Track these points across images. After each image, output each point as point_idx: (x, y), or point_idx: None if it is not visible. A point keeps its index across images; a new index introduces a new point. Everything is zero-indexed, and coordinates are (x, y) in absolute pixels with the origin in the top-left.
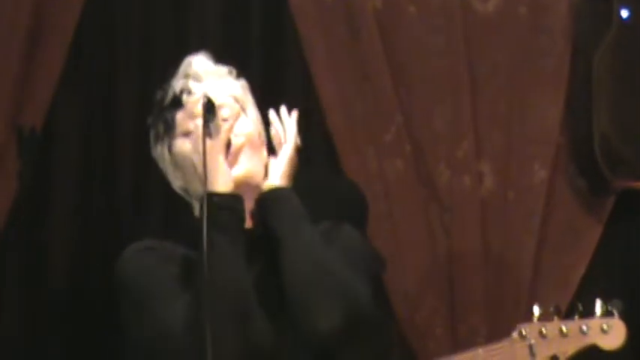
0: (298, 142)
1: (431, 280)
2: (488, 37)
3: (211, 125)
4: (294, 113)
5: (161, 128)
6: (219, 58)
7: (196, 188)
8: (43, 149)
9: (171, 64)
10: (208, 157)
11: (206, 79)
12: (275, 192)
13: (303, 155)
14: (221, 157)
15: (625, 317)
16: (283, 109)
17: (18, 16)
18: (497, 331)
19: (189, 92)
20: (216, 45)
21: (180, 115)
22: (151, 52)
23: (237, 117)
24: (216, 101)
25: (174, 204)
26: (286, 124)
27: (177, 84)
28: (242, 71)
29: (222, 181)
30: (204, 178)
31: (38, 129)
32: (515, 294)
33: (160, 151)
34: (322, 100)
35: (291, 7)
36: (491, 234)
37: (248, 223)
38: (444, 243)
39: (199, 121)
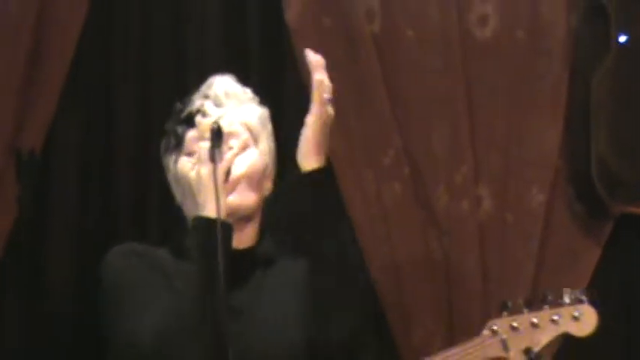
0: (329, 110)
1: (429, 303)
2: (486, 60)
3: (216, 151)
4: (319, 58)
5: (172, 141)
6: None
7: (188, 208)
8: (42, 172)
9: (169, 82)
10: (205, 182)
11: (225, 103)
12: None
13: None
14: (216, 184)
15: (610, 335)
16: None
17: (18, 38)
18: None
19: (204, 114)
20: (214, 71)
21: (190, 134)
22: (149, 74)
23: (243, 147)
24: (226, 129)
25: (173, 221)
26: (314, 80)
27: (196, 102)
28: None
29: (212, 207)
30: (218, 201)
31: (37, 152)
32: None
33: (167, 162)
34: None
35: (289, 29)
36: (489, 257)
37: (242, 244)
38: (442, 266)
39: (204, 144)
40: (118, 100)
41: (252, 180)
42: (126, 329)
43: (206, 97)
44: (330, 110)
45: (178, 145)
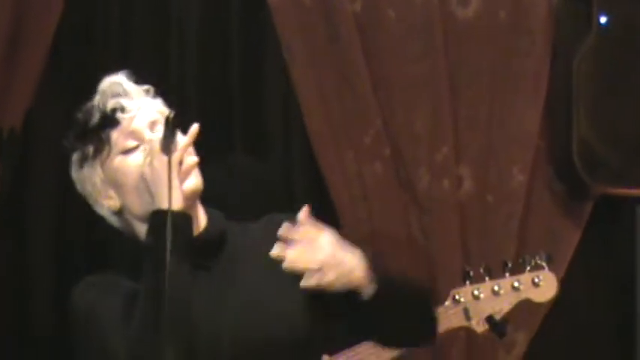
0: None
1: None
2: (467, 41)
3: (171, 142)
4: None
5: (90, 149)
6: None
7: (140, 205)
8: (22, 151)
9: (150, 66)
10: (162, 174)
11: (135, 97)
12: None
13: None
14: (174, 174)
15: (591, 316)
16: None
17: None
18: (476, 335)
19: (124, 110)
20: (195, 49)
21: (115, 134)
22: (130, 53)
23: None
24: (152, 118)
25: None
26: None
27: (105, 104)
28: (222, 74)
29: (176, 199)
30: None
31: (18, 131)
32: None
33: (87, 173)
34: (302, 103)
35: (271, 9)
36: (470, 238)
37: (198, 229)
38: (423, 246)
39: (154, 137)
40: (100, 80)
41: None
42: (101, 351)
43: (117, 95)
44: (325, 277)
45: (101, 149)
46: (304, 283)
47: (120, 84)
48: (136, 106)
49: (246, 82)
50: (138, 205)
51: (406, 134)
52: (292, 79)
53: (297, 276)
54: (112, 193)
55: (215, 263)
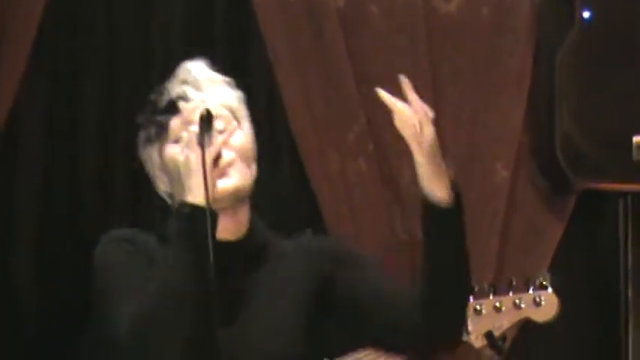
0: (426, 135)
1: None
2: (451, 37)
3: (205, 136)
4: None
5: (153, 131)
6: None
7: (177, 195)
8: (5, 147)
9: (134, 62)
10: (193, 167)
11: (204, 87)
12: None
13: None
14: (204, 170)
15: (574, 311)
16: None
17: None
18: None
19: (186, 99)
20: (179, 43)
21: (174, 121)
22: (114, 49)
23: (232, 131)
24: (213, 112)
25: (140, 200)
26: (414, 106)
27: (173, 89)
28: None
29: (199, 193)
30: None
31: (1, 129)
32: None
33: (148, 153)
34: (285, 100)
35: (254, 5)
36: None
37: (236, 234)
38: (406, 244)
39: (193, 128)
40: (84, 76)
41: (245, 161)
42: (105, 318)
43: (185, 82)
44: (428, 134)
45: (161, 133)
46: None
47: (190, 71)
48: (200, 98)
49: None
50: (177, 194)
51: (390, 131)
52: (276, 76)
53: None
54: (164, 178)
55: (247, 272)
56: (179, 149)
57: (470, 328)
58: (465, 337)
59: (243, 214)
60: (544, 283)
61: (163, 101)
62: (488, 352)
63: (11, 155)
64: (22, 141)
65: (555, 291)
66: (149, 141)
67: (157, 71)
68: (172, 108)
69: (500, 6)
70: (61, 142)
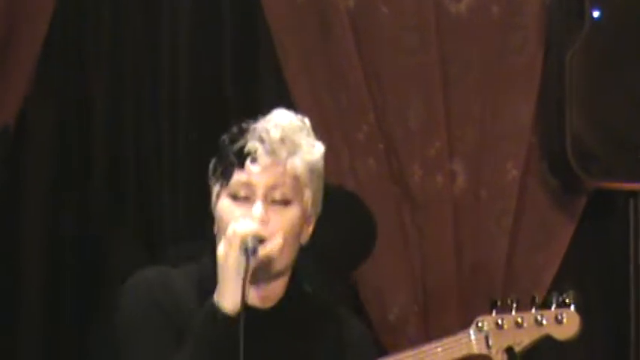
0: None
1: (403, 280)
2: (460, 36)
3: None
4: None
5: (219, 168)
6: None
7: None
8: (16, 148)
9: (141, 64)
10: (231, 273)
11: (279, 151)
12: None
13: None
14: (242, 280)
15: (585, 310)
16: None
17: None
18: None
19: (255, 160)
20: (187, 47)
21: (237, 176)
22: (121, 51)
23: (279, 248)
24: (272, 181)
25: (149, 199)
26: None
27: (250, 140)
28: (214, 71)
29: (231, 301)
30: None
31: (11, 127)
32: (488, 293)
33: (212, 185)
34: (295, 99)
35: (263, 5)
36: (463, 233)
37: (265, 303)
38: (416, 242)
39: (239, 230)
40: (92, 75)
41: (294, 237)
42: None
43: (260, 140)
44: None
45: (224, 177)
46: None
47: (269, 131)
48: (269, 162)
49: (239, 80)
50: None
51: (399, 129)
52: (286, 75)
53: None
54: (215, 218)
55: (271, 339)
56: (230, 208)
57: (491, 342)
58: (485, 352)
59: (279, 286)
60: (567, 300)
61: (238, 145)
62: None
63: (20, 156)
64: (32, 142)
65: (578, 309)
66: (214, 174)
67: (165, 70)
68: (241, 160)
69: (510, 5)
70: (70, 143)
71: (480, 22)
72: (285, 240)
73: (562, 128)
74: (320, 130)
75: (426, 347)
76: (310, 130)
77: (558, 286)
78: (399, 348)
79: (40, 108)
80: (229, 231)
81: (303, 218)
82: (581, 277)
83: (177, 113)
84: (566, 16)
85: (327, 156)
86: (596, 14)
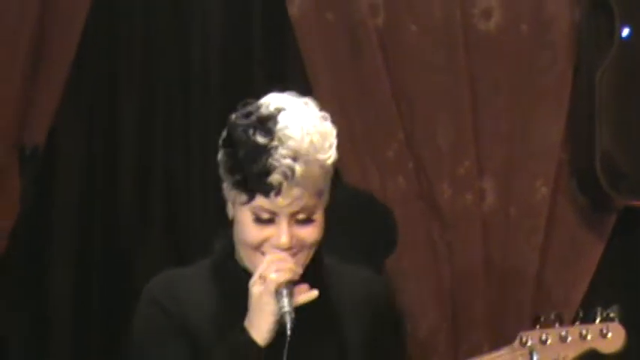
0: None
1: (433, 297)
2: (489, 54)
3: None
4: None
5: (236, 176)
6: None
7: (239, 250)
8: (45, 169)
9: (172, 82)
10: (265, 313)
11: (302, 183)
12: None
13: None
14: (274, 317)
15: (626, 327)
16: None
17: (20, 38)
18: (500, 347)
19: (280, 192)
20: (217, 63)
21: (259, 199)
22: (152, 70)
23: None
24: (295, 208)
25: (176, 219)
26: None
27: (273, 171)
28: (244, 83)
29: (262, 335)
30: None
31: (40, 149)
32: (518, 311)
33: (225, 177)
34: None
35: (292, 23)
36: (493, 251)
37: None
38: (446, 260)
39: (274, 277)
40: (122, 98)
41: (313, 245)
42: None
43: (284, 175)
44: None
45: (243, 191)
46: None
47: (293, 168)
48: (295, 196)
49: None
50: (239, 250)
51: (429, 148)
52: (315, 93)
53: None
54: (231, 208)
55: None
56: (258, 230)
57: (536, 357)
58: None
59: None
60: (611, 315)
61: (260, 165)
62: None
63: (50, 173)
64: (62, 163)
65: (622, 323)
66: (230, 177)
67: (195, 88)
68: (264, 189)
69: (539, 23)
70: (100, 158)
71: (509, 40)
72: (307, 249)
73: (591, 146)
74: (349, 148)
75: None
76: (326, 115)
77: (588, 303)
78: None
79: (70, 127)
80: (266, 272)
81: (321, 233)
82: (610, 294)
83: (208, 126)
84: (595, 34)
85: (357, 174)
86: (625, 32)
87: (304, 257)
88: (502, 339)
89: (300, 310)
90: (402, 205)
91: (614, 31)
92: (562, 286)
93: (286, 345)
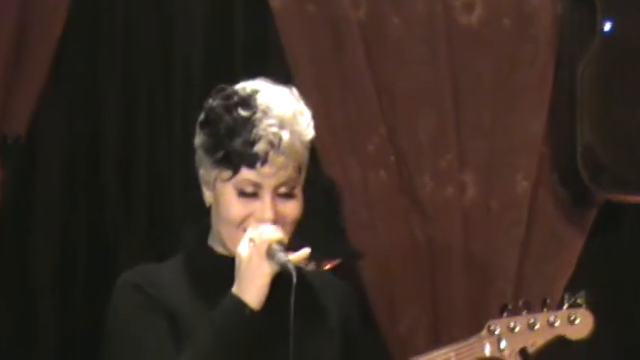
0: None
1: (414, 291)
2: (471, 47)
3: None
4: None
5: (219, 153)
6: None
7: (221, 234)
8: (27, 158)
9: (154, 71)
10: (254, 274)
11: (287, 151)
12: None
13: None
14: (266, 278)
15: (606, 320)
16: None
17: (1, 27)
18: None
19: (265, 161)
20: (199, 57)
21: (244, 171)
22: (135, 60)
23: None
24: (280, 179)
25: (160, 210)
26: None
27: (258, 141)
28: (227, 74)
29: (256, 296)
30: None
31: (23, 137)
32: (498, 304)
33: (204, 161)
34: None
35: (275, 17)
36: (473, 244)
37: None
38: (426, 253)
39: (266, 234)
40: (104, 87)
41: (296, 219)
42: None
43: (271, 144)
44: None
45: (227, 167)
46: None
47: (278, 135)
48: (279, 164)
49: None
50: (219, 231)
51: (410, 141)
52: (296, 86)
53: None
54: (211, 193)
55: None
56: (241, 205)
57: (504, 345)
58: (497, 355)
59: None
60: (578, 301)
61: (243, 139)
62: None
63: (32, 162)
64: (43, 148)
65: (590, 309)
66: (211, 156)
67: (178, 77)
68: (249, 160)
69: (521, 17)
70: (82, 148)
71: (491, 34)
72: (290, 223)
73: (573, 140)
74: (330, 142)
75: (438, 353)
76: (299, 98)
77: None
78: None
79: (52, 117)
80: (254, 235)
81: (301, 207)
82: (591, 288)
83: (190, 115)
84: (577, 28)
85: (338, 167)
86: (607, 27)
87: (286, 235)
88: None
89: (288, 295)
90: (382, 198)
91: (596, 25)
92: (542, 280)
93: (292, 297)
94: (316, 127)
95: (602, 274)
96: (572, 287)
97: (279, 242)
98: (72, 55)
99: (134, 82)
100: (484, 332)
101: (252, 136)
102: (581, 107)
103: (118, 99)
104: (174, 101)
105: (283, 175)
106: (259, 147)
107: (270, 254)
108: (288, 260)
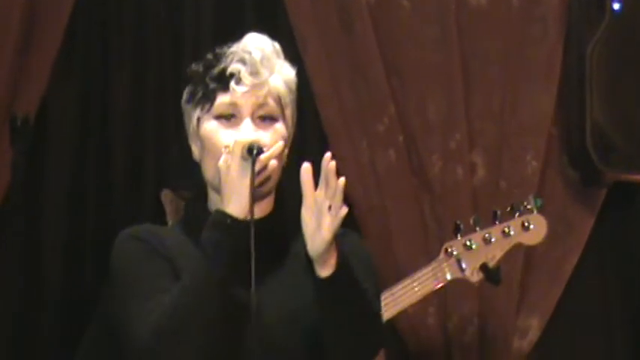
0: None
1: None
2: (481, 28)
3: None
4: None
5: (199, 93)
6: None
7: (210, 175)
8: (36, 138)
9: (164, 54)
10: (234, 182)
11: (260, 71)
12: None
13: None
14: (246, 182)
15: (605, 303)
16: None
17: (12, 7)
18: (489, 321)
19: (239, 81)
20: (208, 38)
21: (221, 98)
22: (145, 39)
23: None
24: (260, 100)
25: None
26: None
27: (231, 62)
28: None
29: (238, 205)
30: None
31: (32, 118)
32: (507, 284)
33: (189, 112)
34: (315, 92)
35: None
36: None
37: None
38: (436, 233)
39: (240, 139)
40: (114, 68)
41: (281, 154)
42: (125, 322)
43: (242, 61)
44: (325, 231)
45: (205, 101)
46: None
47: (250, 52)
48: (253, 82)
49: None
50: (208, 174)
51: (419, 122)
52: (306, 68)
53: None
54: (195, 144)
55: (266, 252)
56: (224, 134)
57: (464, 265)
58: (460, 275)
59: (265, 203)
60: (529, 207)
61: (217, 70)
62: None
63: (42, 146)
64: (53, 132)
65: (541, 212)
66: (192, 101)
67: (187, 59)
68: (223, 81)
69: None
70: (92, 131)
71: (499, 14)
72: (278, 160)
73: (582, 120)
74: (340, 122)
75: (401, 286)
76: (281, 52)
77: (578, 277)
78: (418, 339)
79: (61, 99)
80: (228, 142)
81: (286, 139)
82: (600, 269)
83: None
84: (586, 7)
85: (347, 147)
86: (616, 6)
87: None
88: (491, 312)
89: (259, 253)
90: (392, 178)
91: (605, 5)
92: (552, 260)
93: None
94: (325, 108)
95: (612, 254)
96: (581, 268)
97: (254, 143)
98: (82, 35)
99: (144, 61)
100: (442, 256)
101: (228, 61)
102: (591, 87)
103: (128, 77)
104: (182, 80)
105: (259, 94)
106: (232, 67)
107: (245, 157)
108: (259, 151)
